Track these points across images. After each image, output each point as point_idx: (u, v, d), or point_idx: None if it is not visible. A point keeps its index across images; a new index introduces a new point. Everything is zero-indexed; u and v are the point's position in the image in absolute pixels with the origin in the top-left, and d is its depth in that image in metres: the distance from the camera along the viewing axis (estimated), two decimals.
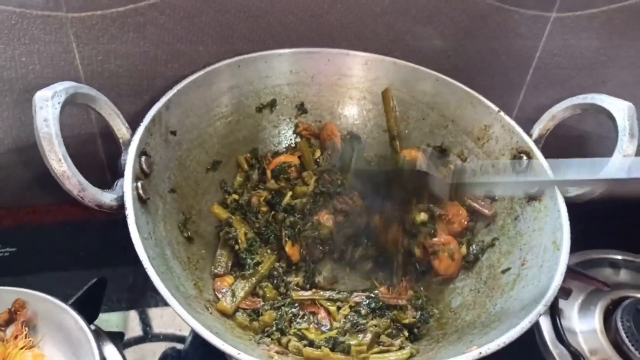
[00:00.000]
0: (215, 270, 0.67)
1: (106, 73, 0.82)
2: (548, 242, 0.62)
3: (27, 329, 0.61)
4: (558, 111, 0.71)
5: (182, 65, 0.82)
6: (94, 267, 0.78)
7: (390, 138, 0.82)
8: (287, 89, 0.83)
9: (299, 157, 0.80)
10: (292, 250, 0.70)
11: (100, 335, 0.72)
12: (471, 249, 0.72)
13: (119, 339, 0.76)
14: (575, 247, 0.86)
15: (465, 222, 0.72)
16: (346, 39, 0.86)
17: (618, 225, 0.95)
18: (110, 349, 0.70)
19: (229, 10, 0.80)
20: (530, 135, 0.73)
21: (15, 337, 0.60)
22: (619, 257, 0.86)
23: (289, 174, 0.76)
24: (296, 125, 0.83)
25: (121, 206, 0.56)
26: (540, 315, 0.52)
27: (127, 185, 0.57)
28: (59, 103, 0.52)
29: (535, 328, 0.77)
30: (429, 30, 0.91)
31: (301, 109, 0.84)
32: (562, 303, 0.80)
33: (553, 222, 0.63)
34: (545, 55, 0.98)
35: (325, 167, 0.78)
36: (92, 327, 0.71)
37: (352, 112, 0.85)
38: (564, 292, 0.79)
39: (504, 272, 0.66)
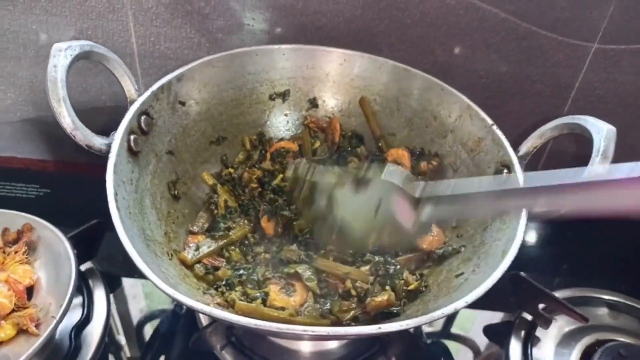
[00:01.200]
0: (191, 228, 0.73)
1: (156, 53, 0.93)
2: (499, 252, 0.62)
3: (27, 249, 0.71)
4: (546, 129, 0.71)
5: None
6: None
7: (375, 140, 0.84)
8: (302, 82, 0.88)
9: (299, 146, 0.85)
10: (266, 225, 0.75)
11: (93, 274, 0.80)
12: (437, 253, 0.72)
13: (115, 282, 0.85)
14: (570, 283, 0.85)
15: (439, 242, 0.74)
16: (375, 46, 0.90)
17: (619, 266, 0.90)
18: (99, 289, 0.79)
19: (267, 8, 0.88)
20: (517, 152, 0.73)
21: (15, 252, 0.70)
22: (614, 298, 0.82)
23: (285, 158, 0.81)
24: (305, 117, 0.88)
25: (109, 151, 0.64)
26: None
27: (118, 133, 0.65)
28: (70, 55, 0.62)
29: (504, 353, 0.76)
30: (460, 47, 0.92)
31: (313, 103, 0.89)
32: (540, 332, 0.78)
33: (510, 232, 0.63)
34: (585, 87, 0.95)
35: (319, 158, 0.82)
36: (90, 264, 0.81)
37: (361, 111, 0.89)
38: (544, 321, 0.77)
39: (457, 276, 0.66)
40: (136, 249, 0.55)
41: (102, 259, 0.82)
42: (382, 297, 0.63)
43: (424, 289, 0.66)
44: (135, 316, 0.82)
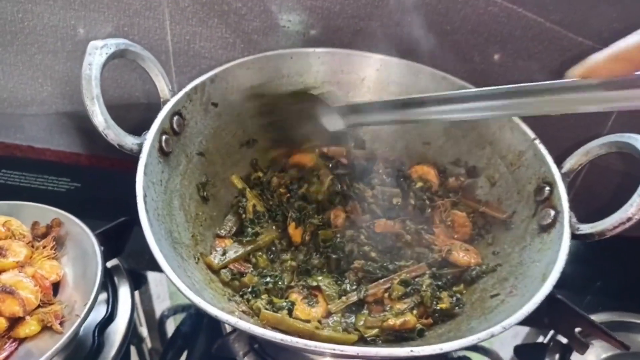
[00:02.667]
0: (218, 232, 0.72)
1: (191, 52, 0.92)
2: (539, 274, 0.59)
3: (55, 243, 0.71)
4: (593, 147, 0.67)
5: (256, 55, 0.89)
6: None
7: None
8: (336, 86, 0.86)
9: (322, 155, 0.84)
10: (294, 232, 0.74)
11: (119, 271, 0.80)
12: (472, 271, 0.69)
13: (140, 280, 0.84)
14: (608, 306, 0.81)
15: (467, 235, 0.71)
16: (411, 52, 0.88)
17: None
18: (124, 286, 0.78)
19: (304, 11, 0.86)
20: (560, 168, 0.70)
21: (44, 247, 0.70)
22: None
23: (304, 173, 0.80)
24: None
25: (140, 151, 0.64)
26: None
27: (150, 133, 0.64)
28: (106, 53, 0.62)
29: None
30: (500, 55, 0.89)
31: None
32: (576, 357, 0.74)
33: (551, 255, 0.60)
34: None
35: (340, 172, 0.81)
36: (116, 262, 0.81)
37: None
38: (580, 345, 0.73)
39: (492, 296, 0.63)
40: (163, 252, 0.54)
41: (127, 255, 0.82)
42: (402, 319, 0.61)
43: (457, 309, 0.63)
44: (159, 314, 0.82)
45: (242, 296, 0.65)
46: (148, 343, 0.79)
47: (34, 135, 1.02)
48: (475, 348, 0.79)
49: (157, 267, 0.54)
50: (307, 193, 0.76)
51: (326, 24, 0.87)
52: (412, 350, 0.47)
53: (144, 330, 0.80)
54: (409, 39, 0.88)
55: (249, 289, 0.65)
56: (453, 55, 0.90)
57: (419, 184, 0.79)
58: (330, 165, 0.82)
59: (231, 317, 0.49)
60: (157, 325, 0.80)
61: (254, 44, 0.90)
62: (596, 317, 0.76)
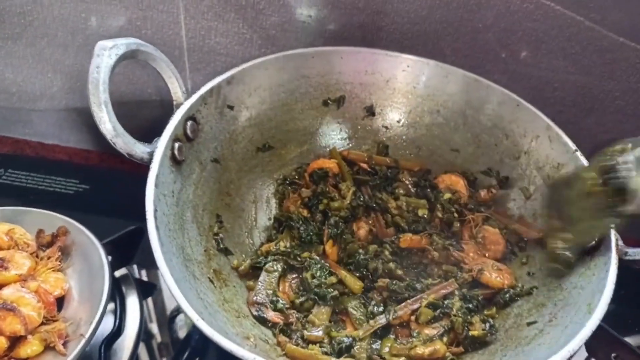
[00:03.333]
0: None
1: (206, 48, 0.88)
2: (584, 304, 0.54)
3: (61, 254, 0.67)
4: None
5: (273, 51, 0.84)
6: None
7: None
8: (359, 88, 0.82)
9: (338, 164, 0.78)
10: (331, 250, 0.69)
11: (127, 280, 0.76)
12: (505, 293, 0.64)
13: (150, 289, 0.81)
14: None
15: (500, 254, 0.66)
16: (439, 50, 0.83)
17: None
18: (132, 296, 0.75)
19: (326, 5, 0.82)
20: None
21: (49, 258, 0.66)
22: None
23: (325, 180, 0.75)
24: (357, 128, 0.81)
25: (151, 160, 0.59)
26: None
27: (162, 141, 0.60)
28: (115, 55, 0.57)
29: None
30: (534, 56, 0.84)
31: (369, 111, 0.83)
32: None
33: (597, 282, 0.55)
34: None
35: (362, 177, 0.76)
36: (124, 271, 0.77)
37: (422, 123, 0.81)
38: None
39: (529, 324, 0.58)
40: (174, 275, 0.50)
41: (136, 263, 0.78)
42: (432, 348, 0.56)
43: (490, 337, 0.58)
44: (168, 325, 0.78)
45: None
46: (156, 351, 0.75)
47: (43, 130, 0.98)
48: None
49: None
50: (327, 209, 0.71)
51: (348, 21, 0.82)
52: None
53: (151, 340, 0.76)
54: (437, 37, 0.82)
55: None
56: (483, 55, 0.85)
57: (447, 195, 0.73)
58: (352, 171, 0.77)
59: (249, 354, 0.45)
60: (166, 336, 0.76)
61: (271, 40, 0.85)
62: (632, 340, 0.71)
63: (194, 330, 0.75)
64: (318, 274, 0.65)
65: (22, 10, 0.84)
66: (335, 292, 0.64)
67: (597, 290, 0.53)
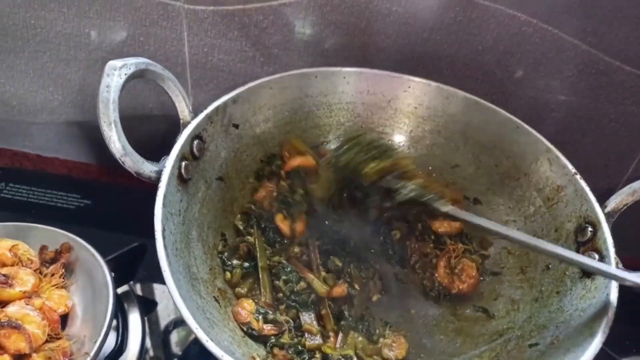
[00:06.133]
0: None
1: (209, 65, 0.89)
2: (585, 327, 0.55)
3: (64, 271, 0.67)
4: None
5: (275, 70, 0.85)
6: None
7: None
8: (361, 107, 0.83)
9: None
10: (282, 224, 0.70)
11: (129, 297, 0.76)
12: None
13: (150, 306, 0.81)
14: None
15: (473, 288, 0.68)
16: (439, 72, 0.84)
17: None
18: (134, 313, 0.75)
19: (328, 26, 0.83)
20: (603, 207, 0.65)
21: (52, 275, 0.66)
22: None
23: (303, 180, 0.75)
24: None
25: (159, 179, 0.60)
26: None
27: (170, 160, 0.60)
28: (125, 74, 0.58)
29: None
30: (532, 77, 0.85)
31: (371, 130, 0.83)
32: None
33: (598, 305, 0.55)
34: None
35: None
36: (126, 287, 0.77)
37: (423, 143, 0.83)
38: None
39: (531, 346, 0.59)
40: (182, 295, 0.50)
41: (138, 280, 0.78)
42: None
43: None
44: (170, 341, 0.77)
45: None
46: None
47: (43, 144, 0.99)
48: None
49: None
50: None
51: (351, 41, 0.83)
52: None
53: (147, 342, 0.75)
54: (437, 58, 0.84)
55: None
56: (482, 76, 0.86)
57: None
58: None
59: None
60: (169, 353, 0.76)
61: (274, 59, 0.86)
62: None
63: (190, 347, 0.75)
64: (289, 279, 0.66)
65: (25, 25, 0.84)
66: (313, 297, 0.65)
67: (598, 315, 0.54)
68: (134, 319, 0.75)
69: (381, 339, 0.65)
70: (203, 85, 0.90)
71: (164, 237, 0.54)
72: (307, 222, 0.72)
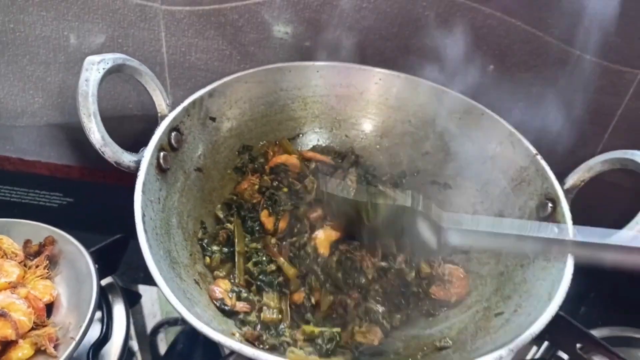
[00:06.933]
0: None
1: (186, 64, 0.91)
2: (545, 293, 0.58)
3: (48, 262, 0.69)
4: (595, 163, 0.67)
5: (252, 67, 0.87)
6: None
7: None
8: (334, 100, 0.86)
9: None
10: (267, 219, 0.72)
11: (113, 289, 0.78)
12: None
13: (134, 298, 0.83)
14: (611, 322, 0.80)
15: (464, 292, 0.70)
16: (410, 66, 0.86)
17: None
18: (119, 304, 0.77)
19: (302, 23, 0.86)
20: (562, 184, 0.69)
21: (37, 267, 0.68)
22: None
23: (286, 175, 0.77)
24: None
25: (138, 168, 0.62)
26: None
27: (148, 150, 0.63)
28: (103, 69, 0.60)
29: None
30: (499, 69, 0.89)
31: (345, 121, 0.86)
32: None
33: (556, 273, 0.59)
34: (628, 115, 0.91)
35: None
36: (110, 279, 0.79)
37: (394, 132, 0.86)
38: None
39: (496, 315, 0.62)
40: (162, 274, 0.53)
41: (121, 273, 0.80)
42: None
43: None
44: (154, 333, 0.79)
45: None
46: None
47: (24, 147, 0.99)
48: None
49: (151, 282, 0.53)
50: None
51: (324, 37, 0.86)
52: None
53: (134, 345, 0.77)
54: (407, 52, 0.87)
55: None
56: (451, 68, 0.89)
57: None
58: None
59: (236, 342, 0.48)
60: (154, 345, 0.78)
61: (250, 56, 0.89)
62: (596, 332, 0.76)
63: (176, 342, 0.77)
64: (260, 260, 0.69)
65: (4, 29, 0.86)
66: (280, 279, 0.67)
67: (556, 280, 0.58)
68: (119, 310, 0.77)
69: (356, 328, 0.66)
70: (181, 84, 0.92)
71: (143, 222, 0.57)
72: (289, 221, 0.74)
